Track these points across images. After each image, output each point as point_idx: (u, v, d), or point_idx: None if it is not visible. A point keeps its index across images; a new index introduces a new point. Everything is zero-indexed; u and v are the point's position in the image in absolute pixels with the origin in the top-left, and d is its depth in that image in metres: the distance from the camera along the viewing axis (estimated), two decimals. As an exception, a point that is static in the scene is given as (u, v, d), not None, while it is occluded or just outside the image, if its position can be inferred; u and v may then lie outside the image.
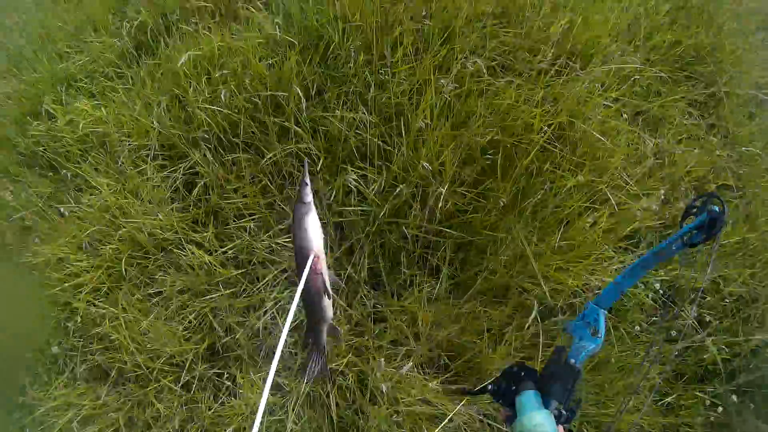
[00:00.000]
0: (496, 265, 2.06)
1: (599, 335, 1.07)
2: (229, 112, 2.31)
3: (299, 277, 1.25)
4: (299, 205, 1.39)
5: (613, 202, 2.18)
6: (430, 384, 1.86)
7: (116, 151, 2.50)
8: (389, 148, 2.19)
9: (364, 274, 2.07)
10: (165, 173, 2.38)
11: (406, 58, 2.28)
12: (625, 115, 2.48)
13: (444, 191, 2.03)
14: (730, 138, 2.73)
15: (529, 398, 1.01)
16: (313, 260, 1.28)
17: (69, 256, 2.21)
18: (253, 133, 2.30)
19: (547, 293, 2.05)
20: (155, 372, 1.98)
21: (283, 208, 2.20)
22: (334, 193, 2.14)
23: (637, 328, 2.14)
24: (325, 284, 1.34)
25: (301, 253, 1.33)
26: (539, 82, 2.26)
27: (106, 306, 2.10)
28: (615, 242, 2.24)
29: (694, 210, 1.05)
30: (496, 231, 2.08)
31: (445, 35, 2.33)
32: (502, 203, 2.07)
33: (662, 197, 2.32)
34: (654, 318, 2.19)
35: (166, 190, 2.34)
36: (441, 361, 2.03)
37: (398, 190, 2.07)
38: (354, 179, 2.12)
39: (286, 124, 2.24)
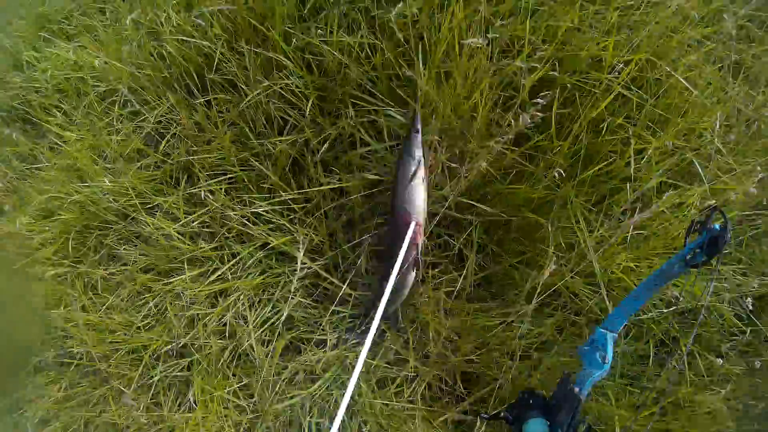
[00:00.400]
0: (543, 257, 1.43)
1: (607, 361, 1.05)
2: (203, 42, 1.80)
3: (397, 244, 1.19)
4: (407, 159, 1.31)
5: (704, 178, 1.47)
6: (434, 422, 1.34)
7: (87, 100, 2.10)
8: (401, 84, 1.57)
9: (362, 261, 1.53)
10: (135, 123, 1.94)
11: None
12: (717, 63, 1.65)
13: (474, 148, 1.41)
14: None
15: (535, 426, 1.02)
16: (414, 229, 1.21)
17: (31, 227, 1.86)
18: (229, 67, 1.77)
19: (609, 304, 1.41)
20: (110, 368, 1.61)
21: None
22: (326, 145, 1.58)
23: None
24: (418, 259, 1.26)
25: (400, 217, 1.26)
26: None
27: (62, 287, 1.75)
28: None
29: (698, 226, 1.01)
30: (544, 210, 1.47)
31: None
32: (557, 173, 1.42)
33: (759, 176, 1.50)
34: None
35: (138, 141, 1.90)
36: (453, 389, 1.49)
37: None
38: (353, 124, 1.54)
39: (271, 54, 1.69)
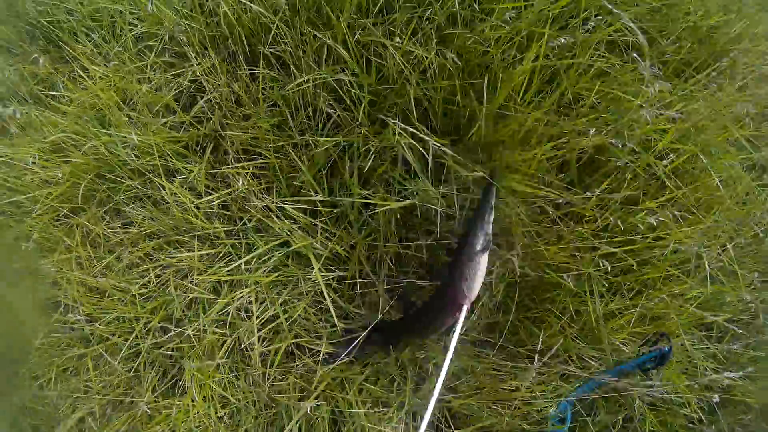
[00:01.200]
0: (550, 317, 1.43)
1: (565, 425, 1.43)
2: (261, 11, 1.68)
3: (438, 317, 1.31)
4: (480, 238, 1.31)
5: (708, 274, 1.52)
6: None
7: (123, 40, 1.96)
8: (458, 110, 1.50)
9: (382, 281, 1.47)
10: (169, 75, 1.82)
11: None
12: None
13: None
14: None
15: None
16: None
17: (32, 160, 1.74)
18: (284, 44, 1.66)
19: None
20: (96, 333, 1.54)
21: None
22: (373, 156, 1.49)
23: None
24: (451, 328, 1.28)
25: (453, 290, 1.29)
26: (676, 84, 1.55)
27: (60, 232, 1.65)
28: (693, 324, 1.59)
29: (650, 344, 1.48)
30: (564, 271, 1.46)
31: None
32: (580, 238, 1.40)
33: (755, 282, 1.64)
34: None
35: (169, 96, 1.79)
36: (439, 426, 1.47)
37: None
38: (399, 141, 1.46)
39: (330, 42, 1.58)
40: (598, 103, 1.59)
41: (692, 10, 1.69)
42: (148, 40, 1.93)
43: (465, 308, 1.23)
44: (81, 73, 1.98)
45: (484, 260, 1.29)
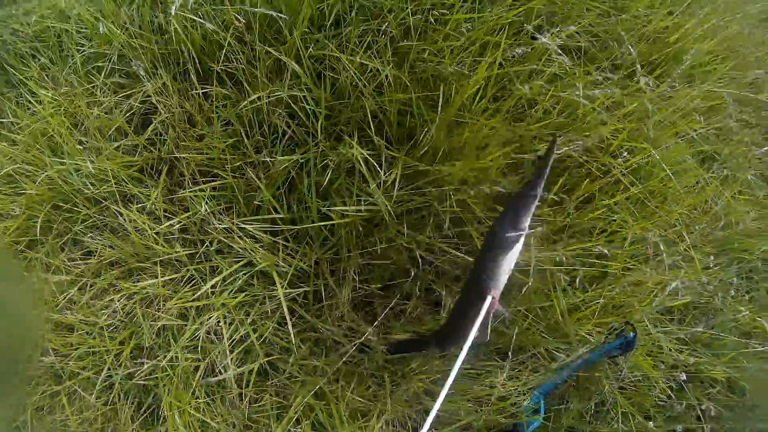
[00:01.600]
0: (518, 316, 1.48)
1: (540, 416, 1.48)
2: (212, 27, 1.64)
3: (470, 311, 1.12)
4: (512, 224, 1.13)
5: (666, 262, 1.59)
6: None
7: (71, 57, 1.90)
8: (414, 120, 1.51)
9: (347, 293, 1.48)
10: (119, 96, 1.78)
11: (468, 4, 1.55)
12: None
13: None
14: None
15: None
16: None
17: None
18: (237, 62, 1.64)
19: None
20: (67, 369, 1.52)
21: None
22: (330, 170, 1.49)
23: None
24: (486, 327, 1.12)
25: (477, 284, 1.13)
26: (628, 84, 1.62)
27: (18, 269, 1.62)
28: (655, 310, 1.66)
29: (616, 332, 1.54)
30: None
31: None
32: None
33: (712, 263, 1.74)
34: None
35: (119, 117, 1.75)
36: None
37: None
38: (361, 155, 1.46)
39: (284, 58, 1.56)
40: (553, 107, 1.62)
41: (641, 12, 1.74)
42: (97, 60, 1.88)
43: (489, 298, 1.08)
44: (29, 98, 1.92)
45: (517, 238, 1.12)
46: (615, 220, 1.58)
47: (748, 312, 1.70)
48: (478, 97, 1.54)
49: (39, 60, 2.00)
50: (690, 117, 1.71)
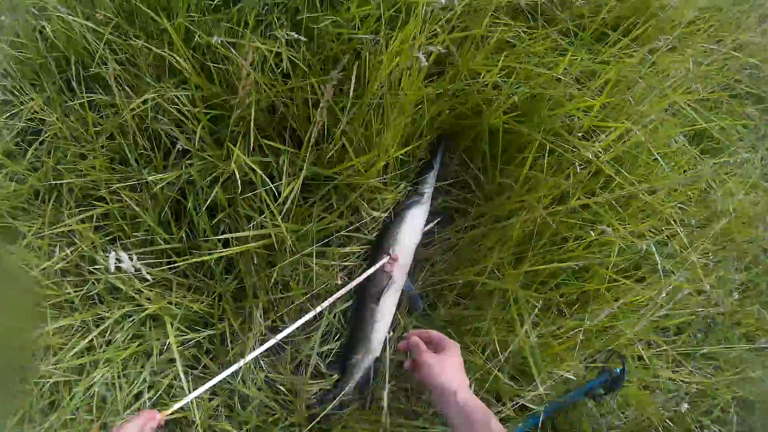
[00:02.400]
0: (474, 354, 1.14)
1: None
2: (88, 23, 1.38)
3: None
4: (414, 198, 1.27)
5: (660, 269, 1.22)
6: None
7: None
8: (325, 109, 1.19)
9: (252, 341, 1.19)
10: (5, 117, 1.53)
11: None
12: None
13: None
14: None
15: None
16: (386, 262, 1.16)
17: None
18: (117, 62, 1.37)
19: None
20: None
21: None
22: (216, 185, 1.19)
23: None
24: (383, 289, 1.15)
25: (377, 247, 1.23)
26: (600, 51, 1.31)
27: None
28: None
29: (600, 365, 1.17)
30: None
31: None
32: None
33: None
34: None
35: (9, 142, 1.51)
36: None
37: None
38: (252, 162, 1.16)
39: (164, 52, 1.27)
40: (504, 81, 1.28)
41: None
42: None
43: (386, 257, 1.16)
44: None
45: (412, 215, 1.24)
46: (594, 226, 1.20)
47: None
48: (406, 74, 1.22)
49: None
50: (685, 86, 1.32)
